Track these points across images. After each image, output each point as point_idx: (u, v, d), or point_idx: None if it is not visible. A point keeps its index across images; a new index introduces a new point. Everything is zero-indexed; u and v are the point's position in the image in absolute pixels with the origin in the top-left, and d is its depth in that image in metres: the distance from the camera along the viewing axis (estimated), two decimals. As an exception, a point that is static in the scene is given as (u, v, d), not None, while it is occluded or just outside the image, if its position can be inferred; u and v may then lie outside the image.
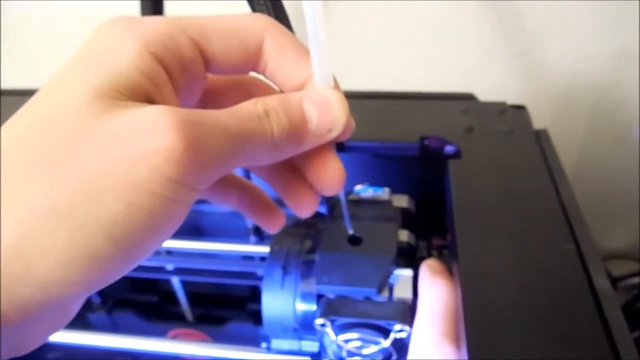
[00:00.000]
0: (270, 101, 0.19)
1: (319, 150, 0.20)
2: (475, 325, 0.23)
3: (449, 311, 0.27)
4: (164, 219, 0.16)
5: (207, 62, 0.20)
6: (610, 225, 0.69)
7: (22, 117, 0.17)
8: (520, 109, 0.39)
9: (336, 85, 0.20)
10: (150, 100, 0.17)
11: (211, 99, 0.22)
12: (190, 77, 0.20)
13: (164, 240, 0.17)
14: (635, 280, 0.62)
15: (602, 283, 0.25)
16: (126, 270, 0.17)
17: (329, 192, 0.21)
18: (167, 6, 0.36)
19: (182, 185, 0.16)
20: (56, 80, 0.17)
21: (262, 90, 0.23)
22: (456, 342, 0.26)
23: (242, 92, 0.23)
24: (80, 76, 0.17)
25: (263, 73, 0.21)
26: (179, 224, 0.17)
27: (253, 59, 0.20)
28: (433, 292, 0.28)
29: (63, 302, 0.16)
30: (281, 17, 0.31)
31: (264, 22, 0.20)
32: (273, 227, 0.24)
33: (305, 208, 0.23)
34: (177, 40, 0.19)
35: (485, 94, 0.42)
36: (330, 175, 0.21)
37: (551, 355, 0.22)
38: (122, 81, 0.17)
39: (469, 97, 0.41)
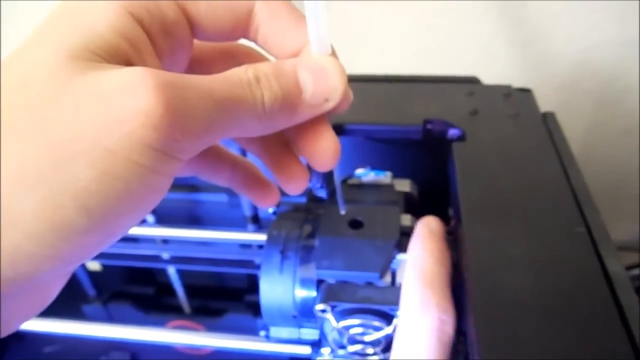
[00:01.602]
0: (262, 68, 0.17)
1: (312, 123, 0.19)
2: (485, 314, 0.22)
3: (439, 277, 0.26)
4: (142, 190, 0.15)
5: (192, 26, 0.19)
6: (613, 217, 0.68)
7: (1, 74, 0.15)
8: (526, 92, 0.38)
9: (333, 53, 0.19)
10: (129, 64, 0.16)
11: (198, 68, 0.21)
12: (174, 42, 0.18)
13: (144, 215, 0.16)
14: (637, 272, 0.61)
15: (615, 267, 0.24)
16: (103, 245, 0.15)
17: (322, 167, 0.20)
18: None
19: (161, 153, 0.15)
20: (29, 42, 0.16)
21: (254, 59, 0.21)
22: (444, 309, 0.25)
23: (233, 61, 0.21)
24: (54, 37, 0.16)
25: (255, 40, 0.20)
26: (160, 197, 0.16)
27: (243, 24, 0.19)
28: (425, 255, 0.27)
29: (36, 280, 0.15)
30: None
31: None
32: (267, 202, 0.23)
33: (295, 183, 0.22)
34: (161, 2, 0.18)
35: (489, 82, 0.41)
36: (324, 149, 0.19)
37: (565, 342, 0.21)
38: (98, 42, 0.16)
39: (473, 81, 0.40)
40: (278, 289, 0.29)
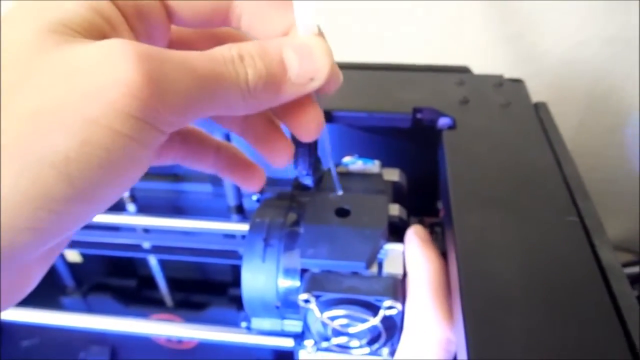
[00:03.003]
0: (246, 46, 0.17)
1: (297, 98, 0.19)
2: (474, 304, 0.21)
3: (442, 285, 0.26)
4: (124, 159, 0.15)
5: (168, 12, 0.19)
6: (603, 216, 0.68)
7: None
8: (517, 82, 0.37)
9: (320, 34, 0.18)
10: (93, 37, 0.16)
11: (179, 49, 0.21)
12: (149, 25, 0.18)
13: (126, 188, 0.16)
14: (629, 271, 0.60)
15: (608, 256, 0.23)
16: (85, 217, 0.15)
17: (307, 137, 0.20)
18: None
19: (144, 123, 0.15)
20: (7, 17, 0.16)
21: (237, 40, 0.20)
22: (449, 315, 0.25)
23: (215, 42, 0.20)
24: (30, 13, 0.16)
25: (238, 26, 0.19)
26: (142, 170, 0.16)
27: (222, 12, 0.19)
28: (425, 264, 0.26)
29: (16, 257, 0.14)
30: None
31: None
32: (253, 184, 0.23)
33: (280, 156, 0.22)
34: None
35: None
36: (309, 120, 0.20)
37: (557, 333, 0.20)
38: (74, 18, 0.16)
39: (464, 70, 0.39)
40: (260, 278, 0.28)
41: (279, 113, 0.20)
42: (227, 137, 0.33)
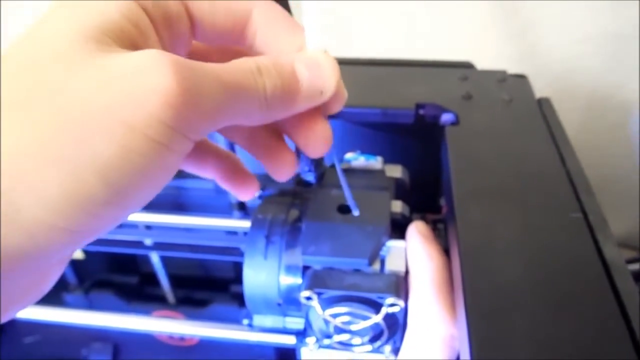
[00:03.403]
0: (262, 59, 0.18)
1: (306, 111, 0.20)
2: (477, 301, 0.21)
3: (444, 281, 0.25)
4: (157, 165, 0.16)
5: (193, 24, 0.19)
6: (606, 212, 0.68)
7: (9, 56, 0.16)
8: (521, 77, 0.37)
9: (327, 53, 0.20)
10: (137, 47, 0.17)
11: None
12: (174, 35, 0.19)
13: (156, 191, 0.17)
14: (632, 268, 0.60)
15: (612, 252, 0.23)
16: (118, 219, 0.16)
17: (315, 154, 0.21)
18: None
19: (176, 132, 0.15)
20: (42, 23, 0.16)
21: (249, 54, 0.21)
22: (453, 312, 0.25)
23: (228, 58, 0.21)
24: (66, 18, 0.16)
25: (252, 44, 0.21)
26: (171, 174, 0.17)
27: (241, 27, 0.20)
28: (427, 261, 0.26)
29: (50, 254, 0.15)
30: None
31: None
32: (247, 194, 0.23)
33: (284, 171, 0.22)
34: None
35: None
36: (317, 136, 0.21)
37: (560, 330, 0.20)
38: (108, 25, 0.16)
39: (467, 66, 0.39)
40: (262, 275, 0.28)
41: (288, 128, 0.21)
42: (232, 147, 0.33)
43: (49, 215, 0.14)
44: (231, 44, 0.21)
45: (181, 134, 0.16)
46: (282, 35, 0.20)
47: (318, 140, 0.21)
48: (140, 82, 0.15)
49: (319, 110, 0.20)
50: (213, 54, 0.22)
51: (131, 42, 0.17)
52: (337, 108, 0.21)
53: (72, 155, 0.14)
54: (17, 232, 0.14)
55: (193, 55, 0.21)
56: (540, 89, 0.37)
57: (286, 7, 0.31)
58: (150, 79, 0.15)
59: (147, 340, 0.48)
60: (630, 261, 0.60)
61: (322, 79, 0.19)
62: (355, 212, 0.25)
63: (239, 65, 0.18)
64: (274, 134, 0.22)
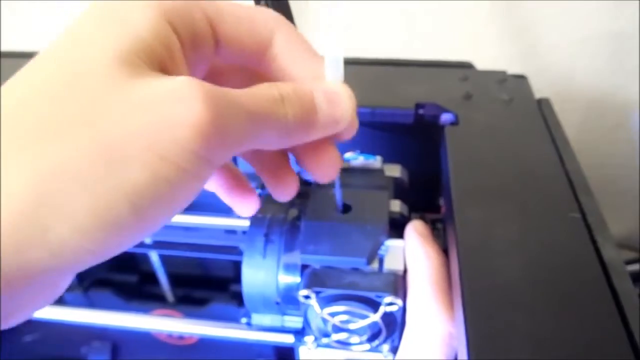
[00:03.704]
0: (285, 87, 0.19)
1: (319, 140, 0.20)
2: (475, 301, 0.21)
3: (443, 280, 0.25)
4: (182, 192, 0.16)
5: (217, 43, 0.20)
6: (605, 213, 0.68)
7: (42, 70, 0.16)
8: (520, 78, 0.37)
9: (345, 85, 0.21)
10: (164, 69, 0.17)
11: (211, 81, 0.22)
12: (200, 54, 0.19)
13: (175, 214, 0.17)
14: (631, 268, 0.60)
15: (610, 253, 0.23)
16: (138, 240, 0.16)
17: (323, 179, 0.22)
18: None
19: (204, 160, 0.16)
20: (76, 37, 0.17)
21: (265, 75, 0.22)
22: (451, 310, 0.25)
23: (245, 77, 0.23)
24: (104, 39, 0.16)
25: (271, 66, 0.21)
26: (193, 198, 0.17)
27: (262, 49, 0.20)
28: (425, 259, 0.26)
29: (73, 270, 0.15)
30: (283, 9, 0.30)
31: (276, 16, 0.21)
32: (246, 211, 0.24)
33: (287, 192, 0.23)
34: (193, 13, 0.19)
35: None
36: (327, 164, 0.21)
37: (558, 331, 0.20)
38: (141, 46, 0.16)
39: (467, 66, 0.39)
40: (261, 274, 0.28)
41: (300, 154, 0.21)
42: (234, 160, 0.33)
43: (76, 236, 0.14)
44: (251, 64, 0.21)
45: (207, 161, 0.16)
46: (301, 61, 0.21)
47: (328, 166, 0.21)
48: (174, 112, 0.15)
49: (330, 137, 0.21)
50: (232, 73, 0.23)
51: (160, 63, 0.17)
52: (348, 136, 0.21)
53: (103, 179, 0.14)
54: (41, 249, 0.14)
55: (212, 72, 0.22)
56: (540, 90, 0.37)
57: (287, 9, 0.31)
58: (183, 109, 0.15)
59: (146, 339, 0.48)
60: (631, 262, 0.60)
61: (339, 110, 0.20)
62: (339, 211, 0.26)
63: (263, 93, 0.18)
64: (280, 153, 0.23)
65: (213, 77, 0.22)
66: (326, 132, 0.20)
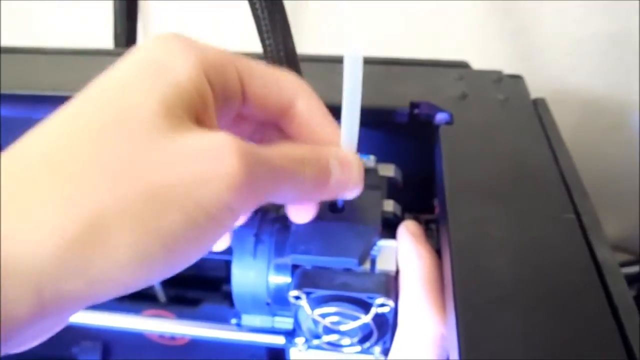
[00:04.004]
0: (306, 149, 0.21)
1: None
2: (467, 301, 0.20)
3: (435, 281, 0.25)
4: (210, 236, 0.17)
5: (244, 99, 0.21)
6: (602, 215, 0.67)
7: (86, 112, 0.17)
8: (516, 78, 0.37)
9: (357, 155, 0.23)
10: (198, 117, 0.19)
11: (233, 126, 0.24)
12: (228, 107, 0.21)
13: (201, 255, 0.19)
14: (628, 271, 0.60)
15: (605, 254, 0.23)
16: (166, 275, 0.17)
17: (297, 221, 0.25)
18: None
19: (232, 210, 0.17)
20: (119, 83, 0.18)
21: (283, 130, 0.24)
22: (443, 311, 0.24)
23: (263, 128, 0.25)
24: (146, 84, 0.18)
25: (288, 125, 0.23)
26: (216, 242, 0.19)
27: (285, 109, 0.22)
28: (417, 260, 0.25)
29: (96, 301, 0.16)
30: (278, 9, 0.30)
31: (300, 81, 0.23)
32: (305, 216, 0.25)
33: (305, 216, 0.25)
34: (228, 70, 0.20)
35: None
36: (305, 216, 0.25)
37: (551, 332, 0.19)
38: (183, 97, 0.18)
39: (462, 65, 0.38)
40: (251, 274, 0.27)
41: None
42: None
43: (115, 270, 0.15)
44: (271, 120, 0.23)
45: (235, 211, 0.18)
46: (319, 126, 0.23)
47: (305, 217, 0.25)
48: (213, 167, 0.17)
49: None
50: (252, 124, 0.24)
51: (196, 112, 0.18)
52: (351, 197, 0.24)
53: (145, 221, 0.16)
54: (81, 280, 0.15)
55: (235, 120, 0.23)
56: (536, 90, 0.37)
57: (281, 9, 0.30)
58: (221, 166, 0.17)
59: (137, 339, 0.48)
60: (628, 264, 0.60)
61: (349, 177, 0.22)
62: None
63: (288, 153, 0.20)
64: None
65: (237, 125, 0.24)
66: (334, 195, 0.22)
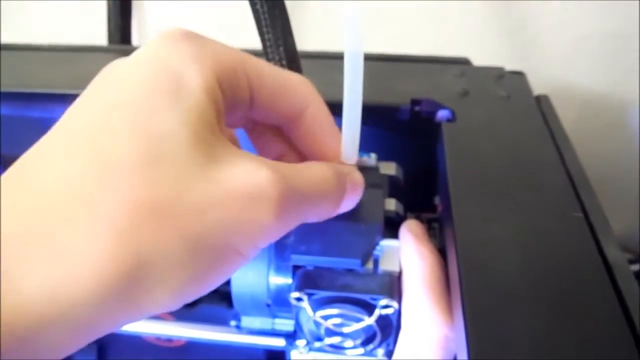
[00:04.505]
0: (330, 171, 0.21)
1: None
2: (475, 302, 0.20)
3: (438, 281, 0.24)
4: (234, 269, 0.18)
5: (252, 105, 0.21)
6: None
7: (120, 142, 0.16)
8: (518, 74, 0.36)
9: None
10: (215, 132, 0.18)
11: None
12: (235, 114, 0.21)
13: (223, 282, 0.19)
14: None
15: (614, 253, 0.22)
16: (192, 300, 0.18)
17: None
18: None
19: (258, 249, 0.18)
20: (142, 102, 0.17)
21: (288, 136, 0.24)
22: (446, 312, 0.24)
23: (268, 134, 0.24)
24: (169, 103, 0.17)
25: (294, 132, 0.23)
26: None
27: (293, 118, 0.22)
28: (419, 261, 0.25)
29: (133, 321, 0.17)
30: (278, 9, 0.30)
31: (310, 89, 0.22)
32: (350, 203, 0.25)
33: None
34: (239, 79, 0.19)
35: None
36: None
37: (561, 332, 0.19)
38: (203, 113, 0.17)
39: (464, 62, 0.38)
40: (250, 274, 0.27)
41: None
42: None
43: (156, 309, 0.16)
44: (275, 123, 0.23)
45: (259, 248, 0.18)
46: (324, 136, 0.23)
47: None
48: (252, 210, 0.17)
49: None
50: (252, 123, 0.24)
51: (214, 127, 0.18)
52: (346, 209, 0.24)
53: (186, 267, 0.16)
54: (127, 320, 0.16)
55: (236, 120, 0.23)
56: (536, 87, 0.36)
57: (281, 3, 0.30)
58: (258, 210, 0.17)
59: (133, 340, 0.47)
60: (628, 262, 0.59)
61: (355, 199, 0.23)
62: None
63: (317, 179, 0.20)
64: None
65: (237, 121, 0.23)
66: (337, 213, 0.23)
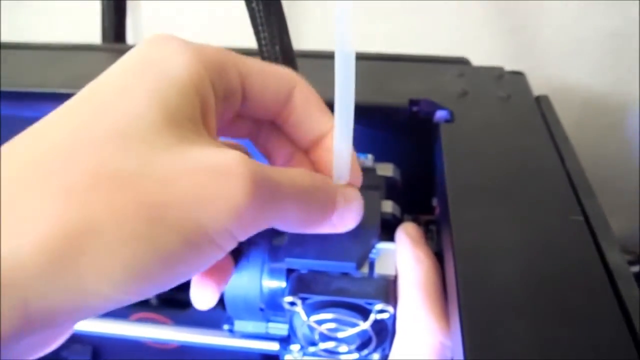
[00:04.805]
0: (318, 179, 0.21)
1: None
2: (472, 307, 0.19)
3: (434, 286, 0.24)
4: (207, 260, 0.17)
5: (244, 98, 0.21)
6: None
7: (88, 121, 0.16)
8: (518, 74, 0.36)
9: (354, 162, 0.22)
10: (200, 123, 0.18)
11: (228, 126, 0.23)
12: (227, 107, 0.20)
13: (197, 273, 0.19)
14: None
15: (615, 258, 0.22)
16: (158, 292, 0.17)
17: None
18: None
19: (233, 238, 0.17)
20: (120, 86, 0.17)
21: (280, 127, 0.24)
22: (442, 319, 0.23)
23: (259, 126, 0.24)
24: (151, 96, 0.17)
25: (285, 122, 0.23)
26: (212, 263, 0.18)
27: (281, 105, 0.22)
28: (415, 265, 0.24)
29: (87, 316, 0.16)
30: (274, 7, 0.29)
31: (294, 74, 0.22)
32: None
33: None
34: (228, 70, 0.19)
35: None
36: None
37: (561, 339, 0.18)
38: (185, 103, 0.17)
39: (463, 62, 0.37)
40: (244, 278, 0.26)
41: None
42: None
43: (109, 289, 0.15)
44: (268, 117, 0.23)
45: (235, 238, 0.17)
46: (315, 116, 0.22)
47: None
48: (219, 187, 0.16)
49: None
50: (248, 123, 0.24)
51: (197, 115, 0.18)
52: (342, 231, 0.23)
53: (141, 239, 0.15)
54: (73, 297, 0.14)
55: (232, 120, 0.23)
56: (535, 88, 0.36)
57: (279, 7, 0.29)
58: (228, 187, 0.16)
59: (128, 342, 0.47)
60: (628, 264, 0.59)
61: (351, 216, 0.22)
62: None
63: (299, 181, 0.19)
64: None
65: (233, 122, 0.23)
66: (331, 229, 0.21)
